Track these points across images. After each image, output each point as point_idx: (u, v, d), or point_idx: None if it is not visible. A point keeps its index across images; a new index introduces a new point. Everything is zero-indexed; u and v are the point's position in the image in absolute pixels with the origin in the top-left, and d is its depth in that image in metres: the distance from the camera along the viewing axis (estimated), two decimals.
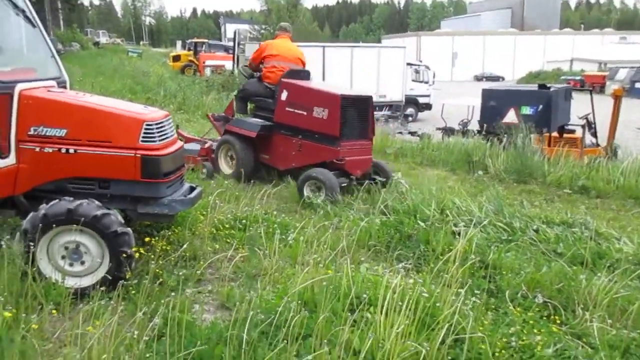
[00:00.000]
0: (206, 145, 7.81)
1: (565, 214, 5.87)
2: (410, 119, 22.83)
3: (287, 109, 6.86)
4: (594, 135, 14.05)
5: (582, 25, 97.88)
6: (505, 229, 5.17)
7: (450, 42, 74.46)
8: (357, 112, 6.61)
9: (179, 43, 73.20)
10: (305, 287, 3.52)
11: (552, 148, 11.17)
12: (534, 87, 14.09)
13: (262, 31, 71.42)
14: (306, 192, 6.33)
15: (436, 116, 23.46)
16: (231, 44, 30.62)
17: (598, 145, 13.80)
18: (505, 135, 13.13)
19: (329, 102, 6.45)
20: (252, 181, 6.83)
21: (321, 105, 6.50)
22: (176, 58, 39.52)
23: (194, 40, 44.01)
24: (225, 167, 7.41)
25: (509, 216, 5.53)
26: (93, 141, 3.79)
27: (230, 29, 43.80)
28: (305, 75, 7.36)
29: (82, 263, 3.66)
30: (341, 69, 23.05)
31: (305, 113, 6.64)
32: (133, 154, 3.80)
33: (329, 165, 6.51)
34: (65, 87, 4.38)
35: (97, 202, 3.65)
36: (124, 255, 3.62)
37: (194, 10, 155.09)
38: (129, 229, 3.70)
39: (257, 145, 7.22)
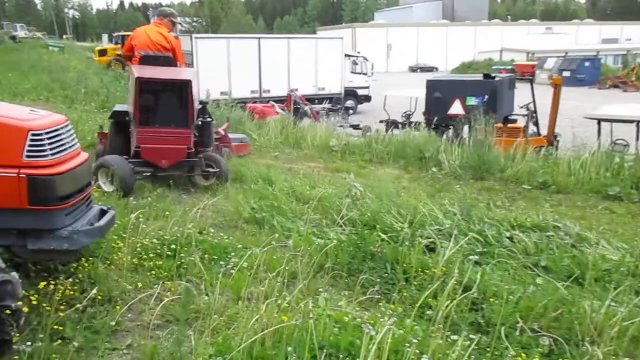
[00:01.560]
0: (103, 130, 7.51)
1: (537, 216, 5.32)
2: (351, 111, 22.28)
3: (128, 95, 6.65)
4: (536, 124, 13.90)
5: (509, 17, 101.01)
6: (477, 239, 4.54)
7: (385, 34, 74.85)
8: (167, 97, 6.21)
9: (105, 36, 69.80)
10: (255, 340, 2.72)
11: (499, 139, 10.84)
12: (478, 76, 13.83)
13: (194, 24, 69.39)
14: (100, 180, 5.90)
15: (376, 108, 23.04)
16: None
17: (539, 134, 13.69)
18: (451, 127, 12.82)
19: (135, 86, 6.02)
20: (182, 195, 5.94)
21: (133, 90, 6.15)
22: (102, 52, 37.27)
23: (121, 33, 41.66)
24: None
25: (478, 221, 4.93)
26: None
27: None
28: (162, 60, 6.69)
29: None
30: (278, 61, 22.17)
31: (132, 99, 6.27)
32: (15, 174, 2.85)
33: (136, 152, 6.16)
34: None
35: None
36: (7, 311, 2.68)
37: (121, 3, 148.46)
38: (13, 275, 2.76)
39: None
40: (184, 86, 6.15)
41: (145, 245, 4.07)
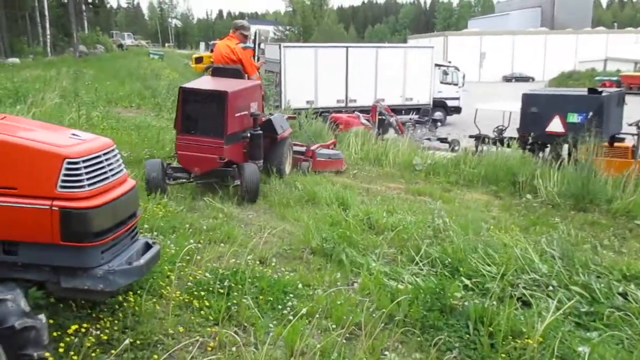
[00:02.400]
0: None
1: None
2: (439, 124, 21.36)
3: None
4: None
5: (615, 24, 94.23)
6: (582, 294, 3.80)
7: (478, 42, 72.24)
8: (204, 106, 6.23)
9: (202, 44, 72.80)
10: None
11: (603, 159, 9.68)
12: (582, 91, 12.57)
13: (287, 32, 70.66)
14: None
15: (466, 120, 21.96)
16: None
17: None
18: (548, 147, 11.69)
19: (178, 95, 6.26)
20: (250, 215, 5.62)
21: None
22: (199, 60, 38.72)
23: (216, 41, 43.08)
24: None
25: (582, 269, 4.17)
26: None
27: (254, 31, 42.70)
28: (231, 72, 6.86)
29: None
30: (365, 70, 21.77)
31: (176, 107, 6.51)
32: (48, 207, 2.57)
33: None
34: None
35: None
36: None
37: (220, 12, 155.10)
38: (39, 319, 2.48)
39: None
40: (222, 97, 6.05)
41: (198, 279, 3.72)
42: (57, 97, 12.26)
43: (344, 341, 3.13)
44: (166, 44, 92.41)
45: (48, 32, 39.68)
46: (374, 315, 3.39)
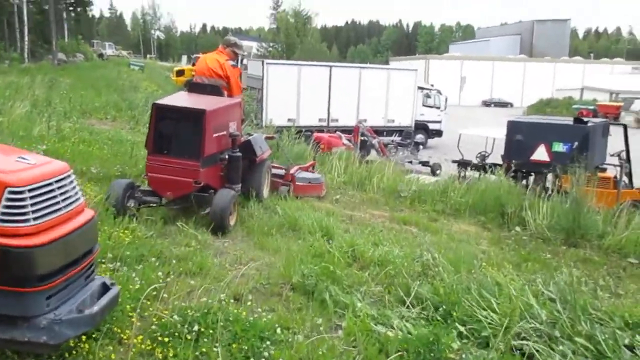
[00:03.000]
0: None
1: None
2: (421, 147, 21.23)
3: None
4: (628, 175, 12.39)
5: (592, 54, 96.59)
6: (587, 347, 3.48)
7: (459, 66, 73.22)
8: (179, 125, 5.78)
9: (184, 57, 72.34)
10: None
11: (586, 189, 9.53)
12: (568, 120, 12.49)
13: (270, 49, 70.64)
14: None
15: (448, 144, 21.90)
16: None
17: (632, 186, 12.20)
18: (532, 175, 11.55)
19: (151, 112, 5.85)
20: (225, 242, 5.22)
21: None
22: (180, 73, 38.36)
23: (199, 55, 42.72)
24: None
25: (584, 316, 3.86)
26: None
27: None
28: (210, 88, 6.45)
29: None
30: (348, 90, 21.61)
31: (149, 125, 6.13)
32: None
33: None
34: None
35: None
36: None
37: (204, 26, 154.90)
38: None
39: None
40: (199, 116, 5.59)
41: (163, 321, 3.30)
42: (27, 105, 11.72)
43: None
44: (148, 56, 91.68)
45: (26, 38, 38.81)
46: None
